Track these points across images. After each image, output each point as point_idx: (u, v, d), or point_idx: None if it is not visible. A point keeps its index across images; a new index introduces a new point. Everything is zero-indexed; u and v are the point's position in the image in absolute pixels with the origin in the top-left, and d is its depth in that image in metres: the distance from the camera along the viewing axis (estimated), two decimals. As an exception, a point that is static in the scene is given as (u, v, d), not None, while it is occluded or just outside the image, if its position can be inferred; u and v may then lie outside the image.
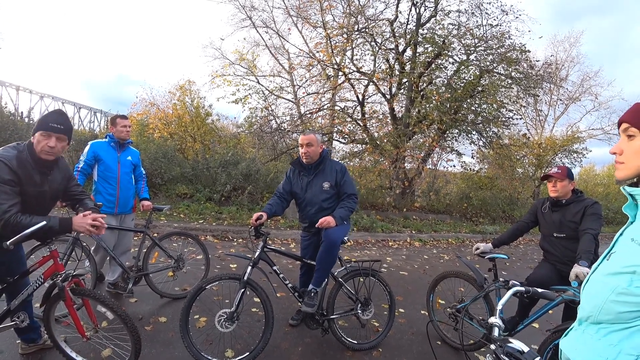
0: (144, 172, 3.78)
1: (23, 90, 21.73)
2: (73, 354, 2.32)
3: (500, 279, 2.42)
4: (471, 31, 10.13)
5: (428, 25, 10.45)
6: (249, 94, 11.90)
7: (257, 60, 14.83)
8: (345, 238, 2.98)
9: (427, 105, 9.94)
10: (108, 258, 3.45)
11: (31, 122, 9.85)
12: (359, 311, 3.04)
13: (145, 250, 3.52)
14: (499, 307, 1.73)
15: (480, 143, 11.69)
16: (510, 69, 10.21)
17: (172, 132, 11.64)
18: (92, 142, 3.41)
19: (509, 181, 13.03)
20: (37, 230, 1.84)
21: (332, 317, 2.93)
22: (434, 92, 9.73)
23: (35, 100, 22.14)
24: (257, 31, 14.41)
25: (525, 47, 10.17)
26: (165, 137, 11.21)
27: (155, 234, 3.78)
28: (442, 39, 9.83)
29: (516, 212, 13.01)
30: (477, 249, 2.99)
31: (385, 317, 3.27)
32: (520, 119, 12.58)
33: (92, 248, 3.36)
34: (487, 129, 11.18)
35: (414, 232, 8.99)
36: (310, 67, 11.67)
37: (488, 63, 10.27)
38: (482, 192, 13.05)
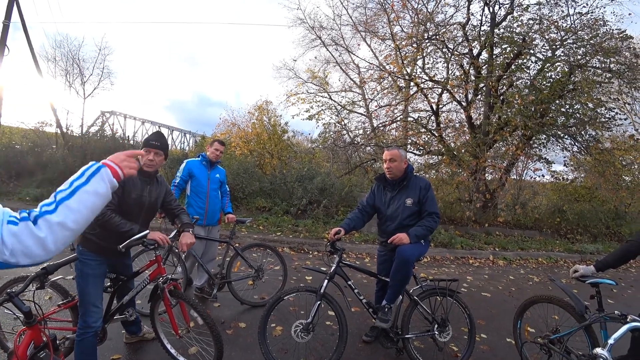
0: (228, 189, 4.15)
1: (129, 118, 25.50)
2: (168, 346, 2.65)
3: (616, 312, 2.07)
4: (556, 23, 9.14)
5: (504, 23, 9.70)
6: (322, 110, 12.23)
7: (328, 77, 15.30)
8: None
9: (509, 110, 9.14)
10: (196, 265, 3.83)
11: (135, 143, 11.43)
12: (436, 333, 2.90)
13: (228, 259, 3.82)
14: (611, 341, 1.51)
15: (574, 149, 10.32)
16: (608, 61, 8.89)
17: (251, 149, 12.49)
18: (187, 160, 3.88)
19: (613, 191, 11.20)
20: (126, 230, 2.19)
21: (407, 336, 2.83)
22: (516, 96, 8.93)
23: (138, 126, 25.80)
24: (327, 49, 14.88)
25: (626, 34, 8.80)
26: (246, 154, 12.06)
27: (238, 244, 4.06)
28: (521, 37, 9.04)
29: (624, 229, 11.11)
30: (576, 271, 2.61)
31: (465, 341, 3.05)
32: (626, 118, 10.77)
33: (184, 255, 3.76)
34: (582, 132, 9.82)
35: (497, 249, 8.26)
36: (381, 80, 11.63)
37: (579, 57, 9.11)
38: (579, 204, 11.41)
